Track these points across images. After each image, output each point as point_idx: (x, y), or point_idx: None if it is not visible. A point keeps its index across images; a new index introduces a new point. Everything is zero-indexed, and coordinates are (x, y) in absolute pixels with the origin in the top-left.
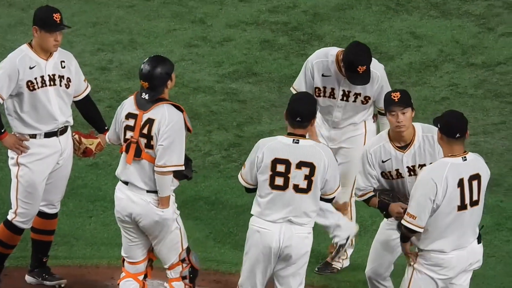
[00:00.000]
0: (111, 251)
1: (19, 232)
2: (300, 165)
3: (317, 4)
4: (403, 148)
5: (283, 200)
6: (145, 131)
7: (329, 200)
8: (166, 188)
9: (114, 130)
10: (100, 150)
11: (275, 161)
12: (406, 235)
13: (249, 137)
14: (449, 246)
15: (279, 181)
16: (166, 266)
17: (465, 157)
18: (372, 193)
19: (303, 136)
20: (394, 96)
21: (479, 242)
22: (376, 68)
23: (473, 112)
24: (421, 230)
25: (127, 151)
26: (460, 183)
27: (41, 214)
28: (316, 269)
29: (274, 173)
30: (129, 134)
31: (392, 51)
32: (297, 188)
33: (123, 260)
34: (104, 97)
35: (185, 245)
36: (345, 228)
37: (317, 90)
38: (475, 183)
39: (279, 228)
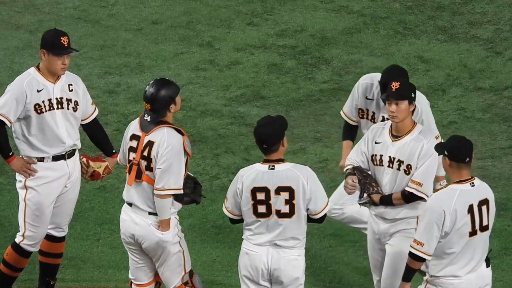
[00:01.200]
0: (119, 274)
1: (27, 255)
2: (278, 190)
3: (324, 28)
4: (395, 137)
5: (268, 226)
6: (145, 153)
7: (319, 220)
8: (165, 211)
9: (122, 150)
10: (107, 173)
11: (254, 190)
12: (413, 266)
13: (256, 161)
14: (460, 271)
15: (261, 208)
16: None
17: (473, 183)
18: (351, 167)
19: (280, 160)
20: (393, 86)
21: (487, 265)
22: (419, 102)
23: (481, 137)
24: (429, 258)
25: (129, 173)
26: (470, 209)
27: (49, 237)
28: None
29: (256, 202)
30: (132, 155)
31: None
32: (279, 214)
33: (131, 283)
34: (111, 120)
35: (188, 268)
36: None
37: (360, 111)
38: (484, 208)
39: (266, 250)
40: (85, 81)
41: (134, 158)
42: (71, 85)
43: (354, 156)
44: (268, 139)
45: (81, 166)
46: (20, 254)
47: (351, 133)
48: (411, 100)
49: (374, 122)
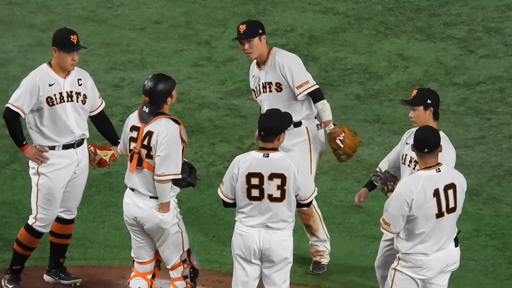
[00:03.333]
0: (123, 253)
1: (39, 235)
2: (272, 176)
3: (312, 28)
4: None
5: (261, 209)
6: (145, 142)
7: (307, 205)
8: (165, 194)
9: (123, 141)
10: (113, 161)
11: (249, 175)
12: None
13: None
14: (429, 250)
15: (255, 192)
16: (168, 267)
17: (439, 168)
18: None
19: (274, 149)
20: (412, 93)
21: (456, 245)
22: (280, 55)
23: (455, 128)
24: (393, 235)
25: (131, 161)
26: (436, 193)
27: (59, 220)
28: (310, 269)
29: (250, 186)
30: (132, 145)
31: (381, 71)
32: (271, 198)
33: (133, 261)
34: (116, 112)
35: (186, 247)
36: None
37: (253, 92)
38: (450, 191)
39: (258, 232)
40: (93, 76)
41: (134, 148)
42: (80, 79)
43: (388, 157)
44: (267, 129)
45: (89, 154)
46: (33, 235)
47: None
48: (427, 106)
49: (260, 94)
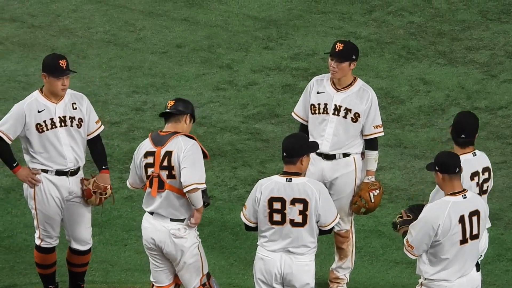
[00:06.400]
0: (144, 277)
1: (50, 251)
2: (294, 201)
3: None
4: None
5: (282, 234)
6: (165, 163)
7: (328, 232)
8: (198, 202)
9: (134, 174)
10: (98, 188)
11: (271, 200)
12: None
13: (271, 173)
14: (452, 276)
15: (277, 217)
16: None
17: (465, 195)
18: None
19: (297, 174)
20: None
21: (478, 270)
22: (371, 90)
23: None
24: (415, 258)
25: (151, 186)
26: (461, 220)
27: (76, 252)
28: None
29: (272, 210)
30: (150, 170)
31: (403, 95)
32: (293, 223)
33: (152, 285)
34: (138, 135)
35: (206, 271)
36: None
37: (312, 107)
38: (474, 218)
39: (280, 256)
40: (115, 100)
41: (153, 172)
42: (75, 103)
43: None
44: (289, 150)
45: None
46: (44, 252)
47: None
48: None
49: (327, 113)
